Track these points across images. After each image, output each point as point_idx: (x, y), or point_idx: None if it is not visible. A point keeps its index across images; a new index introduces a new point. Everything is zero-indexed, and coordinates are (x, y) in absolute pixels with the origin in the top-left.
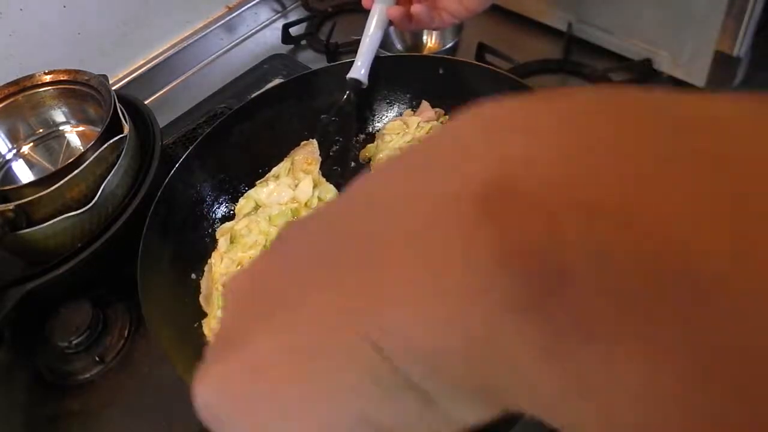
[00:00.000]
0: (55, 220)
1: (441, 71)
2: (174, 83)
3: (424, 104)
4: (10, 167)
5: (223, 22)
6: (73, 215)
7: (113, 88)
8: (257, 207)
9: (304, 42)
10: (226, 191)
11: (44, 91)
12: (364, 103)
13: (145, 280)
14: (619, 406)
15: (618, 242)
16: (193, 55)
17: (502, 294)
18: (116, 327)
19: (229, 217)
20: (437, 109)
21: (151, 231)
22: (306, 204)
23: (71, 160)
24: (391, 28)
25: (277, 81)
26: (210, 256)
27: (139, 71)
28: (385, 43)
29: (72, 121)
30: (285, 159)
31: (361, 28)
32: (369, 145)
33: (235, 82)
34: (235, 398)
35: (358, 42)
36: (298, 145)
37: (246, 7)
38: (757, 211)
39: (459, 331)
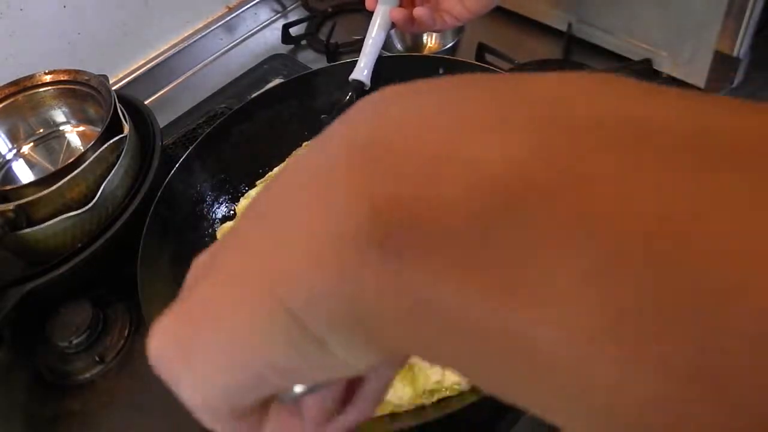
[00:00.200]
0: (55, 220)
1: (441, 71)
2: (174, 83)
3: None
4: (10, 167)
5: (223, 22)
6: (73, 215)
7: (113, 88)
8: None
9: (304, 42)
10: (226, 191)
11: (44, 91)
12: None
13: (145, 280)
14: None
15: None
16: (193, 55)
17: (368, 235)
18: (116, 327)
19: (229, 217)
20: None
21: (151, 231)
22: None
23: (71, 160)
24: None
25: (277, 81)
26: None
27: (139, 71)
28: (385, 43)
29: (72, 121)
30: (286, 159)
31: (361, 29)
32: None
33: (235, 82)
34: (172, 345)
35: (358, 42)
36: (299, 145)
37: (246, 7)
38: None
39: (336, 273)
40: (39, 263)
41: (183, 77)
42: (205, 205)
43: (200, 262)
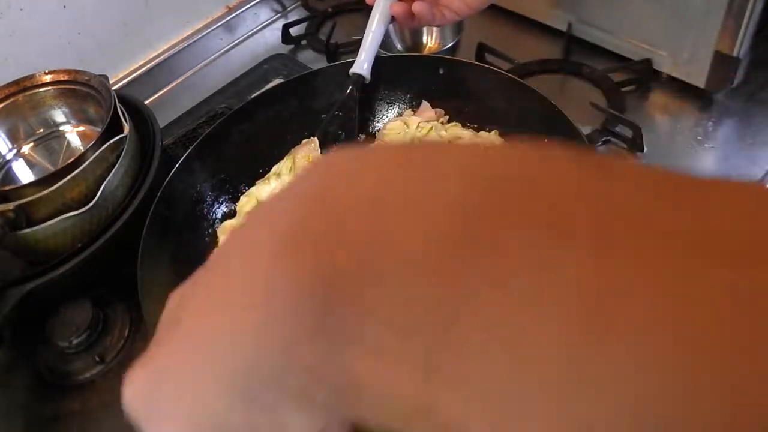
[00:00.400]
0: (55, 220)
1: (441, 71)
2: (174, 83)
3: (424, 104)
4: (10, 167)
5: (223, 22)
6: (73, 215)
7: (113, 88)
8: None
9: (304, 42)
10: (226, 191)
11: (44, 91)
12: (364, 103)
13: (145, 280)
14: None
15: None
16: (193, 55)
17: (292, 309)
18: (116, 327)
19: (229, 216)
20: (437, 109)
21: (151, 231)
22: None
23: (71, 160)
24: (391, 28)
25: (277, 81)
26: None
27: (139, 71)
28: (385, 43)
29: (72, 121)
30: (286, 157)
31: (361, 29)
32: None
33: (235, 82)
34: (141, 398)
35: (358, 42)
36: (299, 144)
37: (246, 7)
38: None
39: (270, 341)
40: (39, 263)
41: (183, 77)
42: (205, 205)
43: (174, 302)
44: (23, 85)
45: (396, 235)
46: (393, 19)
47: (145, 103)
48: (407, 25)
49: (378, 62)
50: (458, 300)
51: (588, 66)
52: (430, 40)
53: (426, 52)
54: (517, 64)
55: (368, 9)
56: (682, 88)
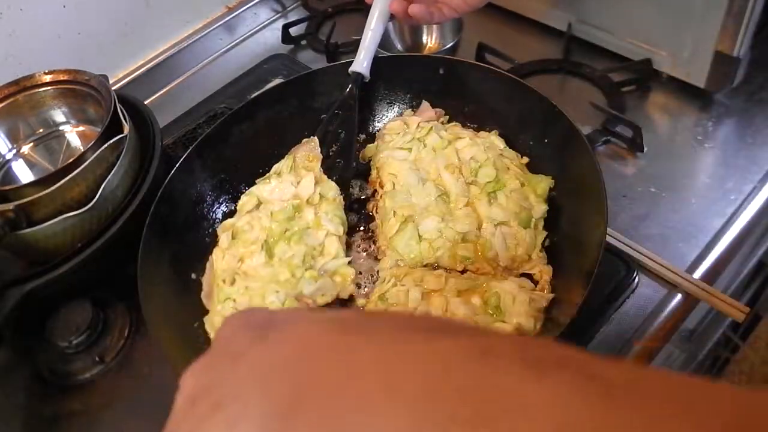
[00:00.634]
0: (55, 220)
1: (441, 71)
2: (174, 83)
3: (424, 104)
4: (10, 167)
5: (223, 22)
6: (73, 215)
7: (113, 88)
8: (259, 204)
9: (304, 42)
10: (226, 191)
11: (44, 91)
12: (364, 102)
13: (145, 280)
14: None
15: None
16: (193, 55)
17: None
18: (116, 327)
19: (230, 215)
20: (437, 109)
21: (151, 231)
22: (308, 200)
23: (71, 160)
24: (391, 28)
25: (277, 81)
26: (211, 255)
27: (139, 71)
28: (385, 43)
29: (72, 121)
30: (286, 156)
31: (361, 29)
32: (369, 145)
33: (235, 82)
34: None
35: (358, 42)
36: (299, 143)
37: (246, 7)
38: None
39: None
40: (39, 263)
41: (183, 77)
42: (205, 204)
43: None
44: (23, 85)
45: None
46: (392, 16)
47: (145, 103)
48: (407, 22)
49: (378, 62)
50: None
51: (588, 66)
52: (430, 40)
53: (426, 51)
54: (517, 64)
55: (368, 9)
56: (682, 88)
